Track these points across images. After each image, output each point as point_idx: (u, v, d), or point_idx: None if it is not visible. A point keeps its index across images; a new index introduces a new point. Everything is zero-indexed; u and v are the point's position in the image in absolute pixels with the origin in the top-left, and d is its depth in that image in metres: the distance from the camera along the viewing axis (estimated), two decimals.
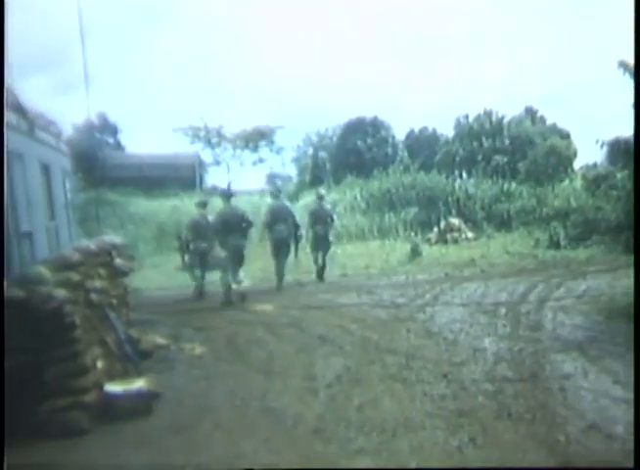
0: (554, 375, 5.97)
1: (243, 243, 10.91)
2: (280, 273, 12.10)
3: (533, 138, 29.36)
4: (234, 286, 10.77)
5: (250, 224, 11.11)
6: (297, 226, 12.16)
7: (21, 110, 6.56)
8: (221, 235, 10.75)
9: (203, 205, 12.22)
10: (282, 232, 11.88)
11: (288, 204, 13.06)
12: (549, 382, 5.78)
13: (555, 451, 4.33)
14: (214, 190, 34.40)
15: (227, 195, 11.43)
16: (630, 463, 3.90)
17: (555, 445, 4.44)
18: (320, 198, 13.34)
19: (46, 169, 7.29)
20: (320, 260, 12.90)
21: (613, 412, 4.92)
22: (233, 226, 10.78)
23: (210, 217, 11.60)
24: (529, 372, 6.09)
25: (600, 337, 7.21)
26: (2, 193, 4.95)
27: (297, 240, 12.22)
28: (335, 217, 13.51)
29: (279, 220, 11.92)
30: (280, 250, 11.99)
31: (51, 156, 7.68)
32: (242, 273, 11.03)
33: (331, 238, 12.98)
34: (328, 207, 13.88)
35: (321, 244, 12.81)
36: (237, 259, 10.84)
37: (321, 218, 12.85)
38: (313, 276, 13.10)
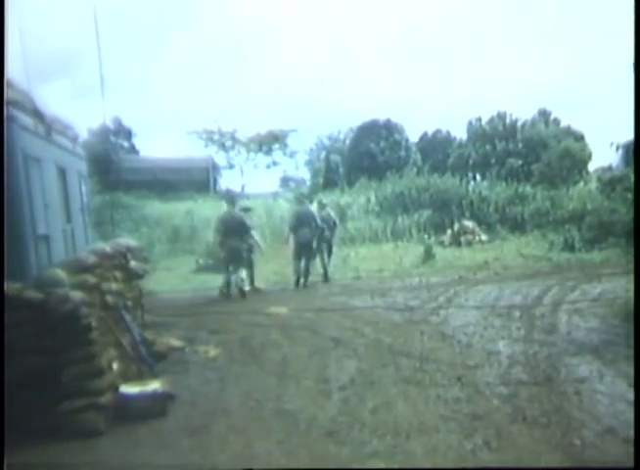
0: (569, 378, 5.94)
1: (240, 245, 11.66)
2: (304, 273, 12.73)
3: (547, 140, 29.23)
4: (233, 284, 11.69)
5: (247, 229, 11.81)
6: (319, 229, 12.91)
7: (38, 114, 6.62)
8: (221, 237, 11.69)
9: (246, 210, 12.88)
10: (306, 235, 12.58)
11: (312, 209, 13.58)
12: (564, 385, 5.75)
13: (570, 455, 4.31)
14: (228, 193, 34.65)
15: (231, 200, 12.36)
16: None
17: (570, 448, 4.42)
18: (322, 206, 14.06)
19: (63, 173, 7.34)
20: (325, 263, 13.40)
21: (629, 416, 4.87)
22: (231, 229, 11.56)
23: (254, 220, 12.84)
24: (544, 375, 6.07)
25: (615, 340, 7.17)
26: (2, 195, 5.00)
27: (320, 242, 12.96)
28: (337, 222, 14.07)
29: (303, 224, 12.65)
30: (304, 252, 12.65)
31: (67, 159, 7.73)
32: (244, 273, 11.90)
33: (334, 241, 13.65)
34: (331, 212, 14.34)
35: (326, 247, 13.44)
36: (235, 260, 11.65)
37: (325, 224, 13.32)
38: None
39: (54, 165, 6.90)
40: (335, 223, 13.93)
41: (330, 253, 13.68)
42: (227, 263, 11.71)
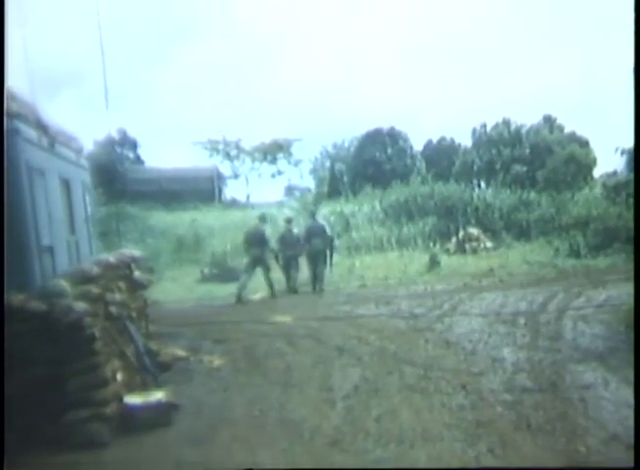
0: (574, 385, 5.91)
1: (261, 254, 12.84)
2: (319, 279, 13.57)
3: (552, 146, 29.16)
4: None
5: (267, 240, 13.00)
6: (330, 239, 13.88)
7: (42, 126, 6.68)
8: (246, 247, 13.19)
9: (289, 220, 14.41)
10: (318, 245, 13.50)
11: (323, 222, 14.50)
12: (569, 392, 5.73)
13: (575, 463, 4.29)
14: (233, 203, 34.71)
15: (263, 219, 13.63)
16: None
17: (575, 455, 4.39)
18: (312, 215, 14.67)
19: (67, 184, 7.39)
20: (314, 273, 13.71)
21: (634, 422, 4.84)
22: (253, 241, 12.88)
23: (296, 230, 14.02)
24: (549, 382, 6.04)
25: (621, 346, 7.13)
26: (2, 204, 5.04)
27: (332, 251, 13.96)
28: (329, 231, 14.08)
29: (315, 235, 13.56)
30: (317, 260, 13.54)
31: (71, 171, 7.79)
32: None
33: (327, 252, 13.82)
34: (322, 222, 14.58)
35: (316, 257, 13.73)
36: (257, 267, 12.91)
37: (316, 233, 13.69)
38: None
39: (58, 177, 6.95)
40: (324, 231, 13.99)
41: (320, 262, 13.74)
42: (250, 270, 12.97)
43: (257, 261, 12.87)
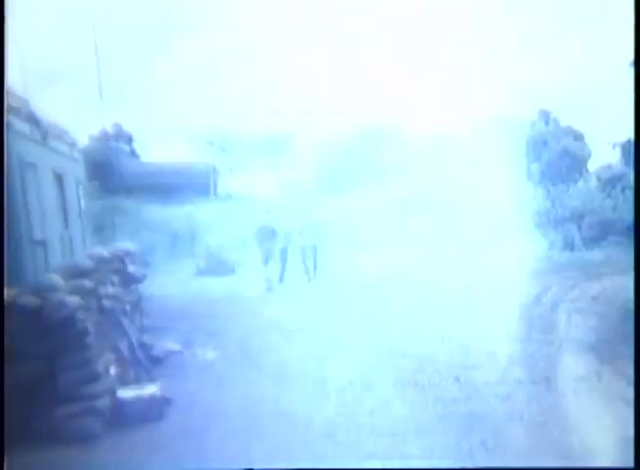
0: (567, 377, 5.92)
1: (272, 247, 13.49)
2: (310, 273, 14.00)
3: (547, 139, 29.10)
4: None
5: (277, 233, 13.61)
6: (321, 234, 14.31)
7: (34, 120, 6.64)
8: (257, 240, 13.73)
9: (282, 216, 14.54)
10: (310, 239, 13.91)
11: (315, 216, 14.93)
12: (562, 384, 5.73)
13: (567, 455, 4.30)
14: (229, 197, 34.52)
15: (271, 211, 14.28)
16: None
17: (567, 448, 4.40)
18: (307, 210, 15.13)
19: (60, 178, 7.36)
20: (306, 267, 14.12)
21: (627, 414, 4.83)
22: (264, 233, 13.49)
23: (289, 225, 14.12)
24: (542, 375, 6.05)
25: (614, 339, 7.11)
26: (2, 201, 5.01)
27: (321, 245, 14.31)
28: (321, 226, 14.57)
29: (307, 229, 14.00)
30: (309, 253, 13.93)
31: (64, 165, 7.75)
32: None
33: (318, 246, 14.25)
34: (314, 216, 14.97)
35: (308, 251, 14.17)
36: (267, 258, 13.46)
37: (308, 228, 14.22)
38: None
39: (50, 171, 6.92)
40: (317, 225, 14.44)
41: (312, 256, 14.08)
42: (263, 262, 13.50)
43: (269, 254, 13.36)
